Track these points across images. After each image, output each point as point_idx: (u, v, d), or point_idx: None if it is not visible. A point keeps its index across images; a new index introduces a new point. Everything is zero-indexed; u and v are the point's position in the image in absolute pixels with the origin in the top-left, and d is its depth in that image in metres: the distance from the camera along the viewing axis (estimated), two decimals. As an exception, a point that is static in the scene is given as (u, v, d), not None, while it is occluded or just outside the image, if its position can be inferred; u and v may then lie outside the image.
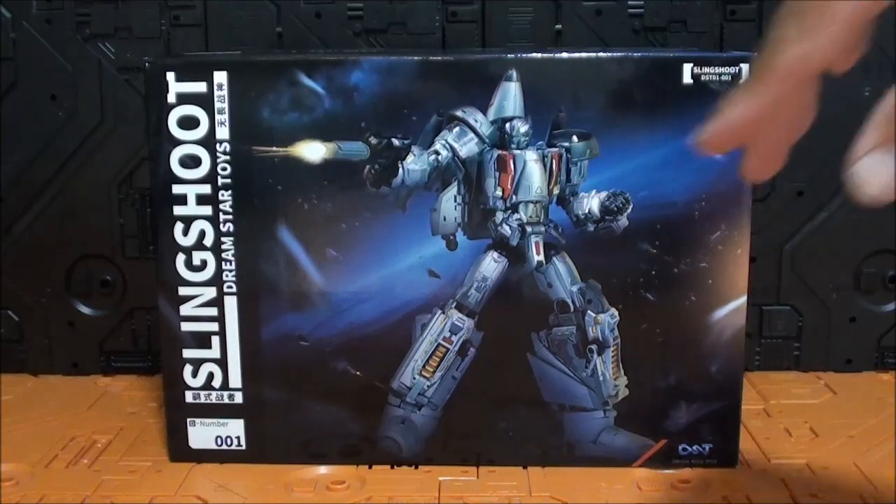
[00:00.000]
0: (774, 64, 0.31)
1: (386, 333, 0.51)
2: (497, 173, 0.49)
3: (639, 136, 0.48)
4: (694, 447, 0.52)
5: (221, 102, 0.48)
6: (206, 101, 0.49)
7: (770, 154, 0.35)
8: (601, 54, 0.48)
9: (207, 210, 0.50)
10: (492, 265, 0.50)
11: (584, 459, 0.52)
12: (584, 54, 0.48)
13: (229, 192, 0.50)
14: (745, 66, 0.47)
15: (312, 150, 0.49)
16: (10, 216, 0.66)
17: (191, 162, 0.49)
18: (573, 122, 0.48)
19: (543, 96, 0.48)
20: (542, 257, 0.50)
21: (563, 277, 0.50)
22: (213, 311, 0.51)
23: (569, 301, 0.50)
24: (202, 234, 0.50)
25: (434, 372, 0.51)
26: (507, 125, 0.48)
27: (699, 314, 0.50)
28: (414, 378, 0.51)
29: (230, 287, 0.51)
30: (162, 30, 0.63)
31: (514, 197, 0.49)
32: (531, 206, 0.49)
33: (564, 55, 0.48)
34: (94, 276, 0.67)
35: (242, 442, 0.53)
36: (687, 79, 0.48)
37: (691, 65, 0.48)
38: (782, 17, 0.31)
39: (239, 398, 0.52)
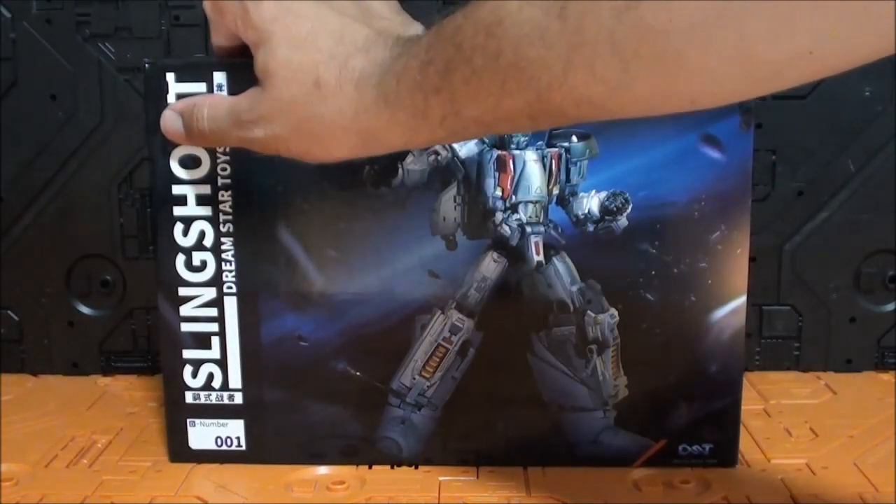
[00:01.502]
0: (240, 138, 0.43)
1: (386, 334, 0.51)
2: (497, 173, 0.49)
3: (638, 136, 0.48)
4: (694, 447, 0.52)
5: (221, 103, 0.48)
6: (205, 102, 0.49)
7: None
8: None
9: (207, 210, 0.50)
10: (491, 265, 0.50)
11: (584, 459, 0.52)
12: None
13: (229, 192, 0.50)
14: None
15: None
16: (10, 216, 0.66)
17: (191, 162, 0.49)
18: (573, 122, 0.48)
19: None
20: (541, 257, 0.50)
21: (563, 277, 0.50)
22: (213, 312, 0.51)
23: (568, 301, 0.50)
24: (202, 234, 0.50)
25: (434, 372, 0.51)
26: (507, 125, 0.48)
27: (699, 314, 0.50)
28: (414, 378, 0.51)
29: (230, 287, 0.51)
30: (162, 30, 0.63)
31: (513, 197, 0.49)
32: (531, 206, 0.49)
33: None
34: (94, 276, 0.67)
35: (242, 442, 0.53)
36: (687, 79, 0.48)
37: (691, 65, 0.48)
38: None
39: (239, 399, 0.52)
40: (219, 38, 0.46)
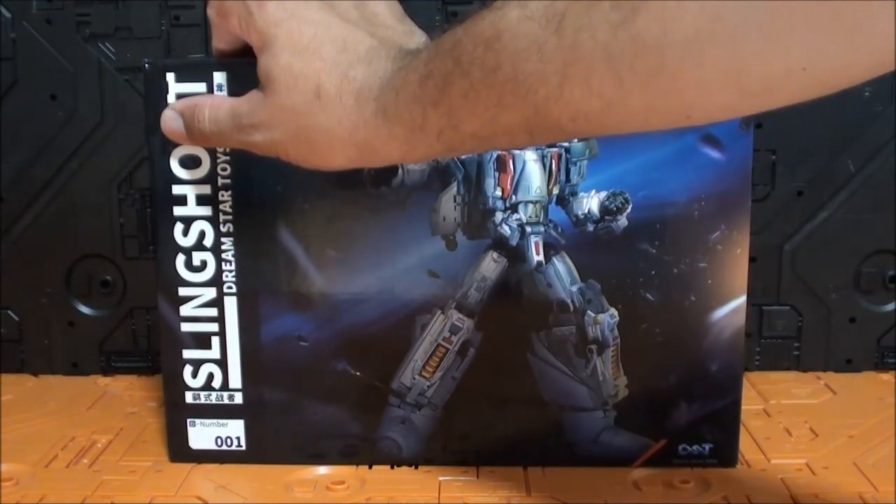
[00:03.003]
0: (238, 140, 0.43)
1: (386, 333, 0.51)
2: (496, 173, 0.49)
3: (638, 136, 0.48)
4: (694, 447, 0.52)
5: (221, 103, 0.48)
6: (205, 102, 0.49)
7: None
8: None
9: (207, 210, 0.50)
10: (491, 265, 0.50)
11: (584, 459, 0.52)
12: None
13: (229, 192, 0.50)
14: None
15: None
16: (10, 216, 0.66)
17: (191, 162, 0.49)
18: (573, 122, 0.48)
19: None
20: (541, 257, 0.50)
21: (563, 277, 0.50)
22: (213, 312, 0.51)
23: (568, 301, 0.50)
24: (202, 234, 0.50)
25: (434, 372, 0.51)
26: (507, 125, 0.48)
27: (699, 314, 0.50)
28: (414, 378, 0.51)
29: (230, 287, 0.51)
30: (162, 30, 0.63)
31: (513, 197, 0.49)
32: (531, 206, 0.49)
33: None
34: (94, 276, 0.67)
35: (242, 442, 0.53)
36: (687, 79, 0.48)
37: (691, 65, 0.48)
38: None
39: (239, 399, 0.52)
40: (220, 43, 0.46)
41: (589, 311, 0.50)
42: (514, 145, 0.45)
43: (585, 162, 0.49)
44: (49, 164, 0.65)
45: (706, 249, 0.49)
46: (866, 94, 0.63)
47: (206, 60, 0.49)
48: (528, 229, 0.50)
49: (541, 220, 0.50)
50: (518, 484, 0.51)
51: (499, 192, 0.49)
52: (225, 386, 0.52)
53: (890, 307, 0.66)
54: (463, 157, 0.49)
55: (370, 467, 0.52)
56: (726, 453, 0.52)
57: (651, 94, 0.30)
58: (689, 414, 0.51)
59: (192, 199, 0.50)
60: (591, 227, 0.49)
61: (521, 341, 0.51)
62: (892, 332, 0.66)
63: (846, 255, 0.65)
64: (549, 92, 0.32)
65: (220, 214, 0.50)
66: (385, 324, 0.51)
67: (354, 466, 0.52)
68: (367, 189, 0.49)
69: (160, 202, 0.50)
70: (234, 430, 0.53)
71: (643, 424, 0.52)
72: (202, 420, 0.52)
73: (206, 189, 0.50)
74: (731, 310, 0.50)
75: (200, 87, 0.48)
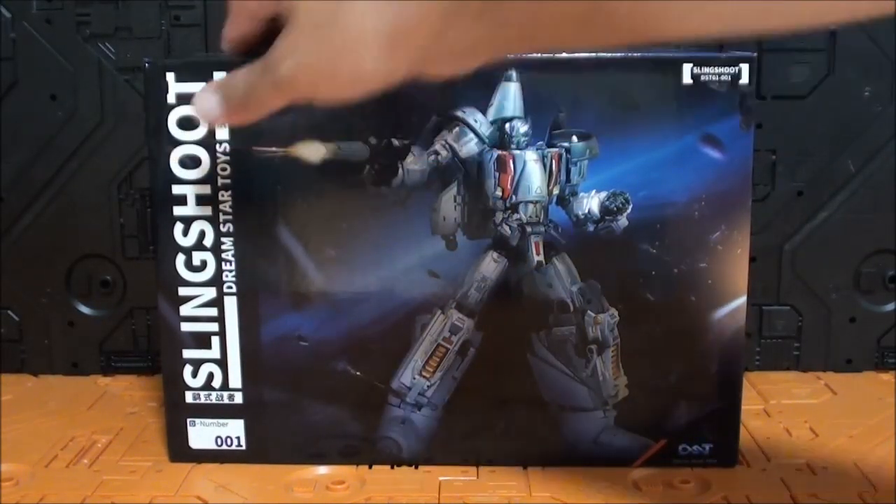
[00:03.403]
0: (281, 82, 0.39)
1: (386, 333, 0.51)
2: (497, 173, 0.49)
3: (638, 137, 0.48)
4: (694, 447, 0.52)
5: (221, 102, 0.48)
6: (205, 102, 0.49)
7: None
8: (601, 54, 0.48)
9: (207, 210, 0.50)
10: (491, 265, 0.50)
11: (584, 459, 0.52)
12: (583, 54, 0.48)
13: (229, 192, 0.50)
14: (744, 67, 0.47)
15: (312, 150, 0.49)
16: (10, 216, 0.66)
17: (191, 162, 0.49)
18: (573, 122, 0.48)
19: (543, 96, 0.48)
20: (541, 257, 0.50)
21: (563, 277, 0.50)
22: (213, 312, 0.51)
23: (568, 301, 0.50)
24: (202, 234, 0.50)
25: (434, 372, 0.51)
26: (507, 125, 0.48)
27: (699, 314, 0.50)
28: (414, 378, 0.51)
29: (230, 287, 0.51)
30: (162, 30, 0.63)
31: (513, 197, 0.49)
32: (531, 206, 0.49)
33: (564, 55, 0.48)
34: (94, 276, 0.67)
35: (242, 442, 0.53)
36: (687, 79, 0.48)
37: (691, 65, 0.48)
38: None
39: (239, 398, 0.52)
40: (233, 31, 0.44)
41: (589, 311, 0.50)
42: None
43: (585, 162, 0.49)
44: (49, 164, 0.65)
45: (706, 249, 0.50)
46: (866, 94, 0.63)
47: (206, 60, 0.50)
48: (529, 229, 0.50)
49: (541, 220, 0.50)
50: (518, 484, 0.51)
51: (499, 192, 0.49)
52: (225, 386, 0.52)
53: (890, 307, 0.66)
54: (463, 156, 0.49)
55: (370, 467, 0.52)
56: (726, 453, 0.52)
57: None
58: (689, 414, 0.51)
59: (192, 199, 0.50)
60: (591, 227, 0.49)
61: (521, 341, 0.51)
62: (892, 332, 0.66)
63: (846, 255, 0.65)
64: None
65: (220, 214, 0.50)
66: (385, 324, 0.51)
67: (354, 466, 0.52)
68: (367, 188, 0.49)
69: (160, 202, 0.50)
70: (234, 429, 0.53)
71: (643, 424, 0.52)
72: (202, 420, 0.52)
73: (206, 189, 0.50)
74: (732, 310, 0.50)
75: (200, 87, 0.48)
